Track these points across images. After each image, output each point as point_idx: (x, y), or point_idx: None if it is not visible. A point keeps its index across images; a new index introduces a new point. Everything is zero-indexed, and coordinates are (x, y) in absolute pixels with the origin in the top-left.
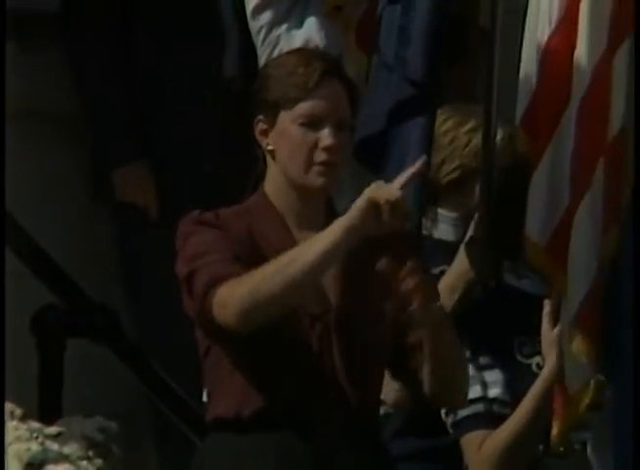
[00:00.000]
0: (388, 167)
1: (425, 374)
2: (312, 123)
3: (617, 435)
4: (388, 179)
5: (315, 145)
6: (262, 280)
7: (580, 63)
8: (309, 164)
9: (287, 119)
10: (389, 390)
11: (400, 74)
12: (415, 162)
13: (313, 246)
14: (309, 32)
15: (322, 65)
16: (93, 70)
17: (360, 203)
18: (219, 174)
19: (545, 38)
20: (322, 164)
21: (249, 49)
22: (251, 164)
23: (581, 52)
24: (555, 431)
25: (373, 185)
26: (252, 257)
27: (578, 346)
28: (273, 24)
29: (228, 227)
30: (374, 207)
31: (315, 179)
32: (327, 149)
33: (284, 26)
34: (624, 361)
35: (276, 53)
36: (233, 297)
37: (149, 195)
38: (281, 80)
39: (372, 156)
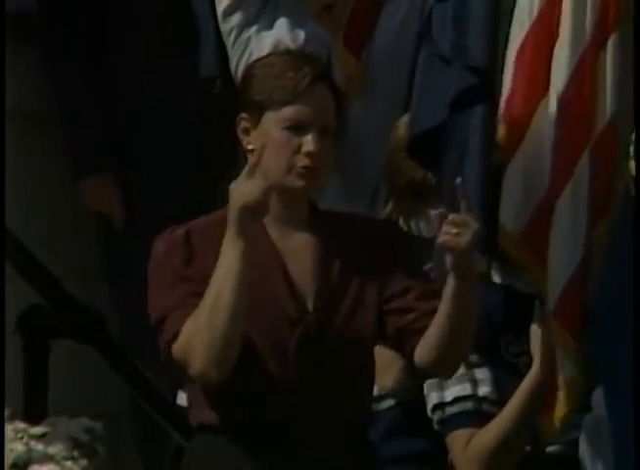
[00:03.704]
0: (445, 162)
1: (430, 336)
2: (296, 128)
3: (615, 434)
4: (446, 176)
5: (298, 149)
6: (204, 324)
7: (561, 57)
8: (290, 166)
9: (271, 121)
10: (386, 375)
11: (460, 64)
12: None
13: (222, 265)
14: (279, 33)
15: (312, 70)
16: (66, 82)
17: (232, 214)
18: (196, 183)
19: (524, 33)
20: (303, 168)
21: (225, 50)
22: (225, 171)
23: (563, 46)
24: (545, 423)
25: (233, 189)
26: None
27: (559, 339)
28: (243, 26)
29: (195, 248)
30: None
31: (295, 181)
32: (309, 154)
33: (254, 28)
34: (618, 360)
35: (247, 55)
36: (193, 355)
37: (113, 206)
38: (268, 81)
39: (427, 151)
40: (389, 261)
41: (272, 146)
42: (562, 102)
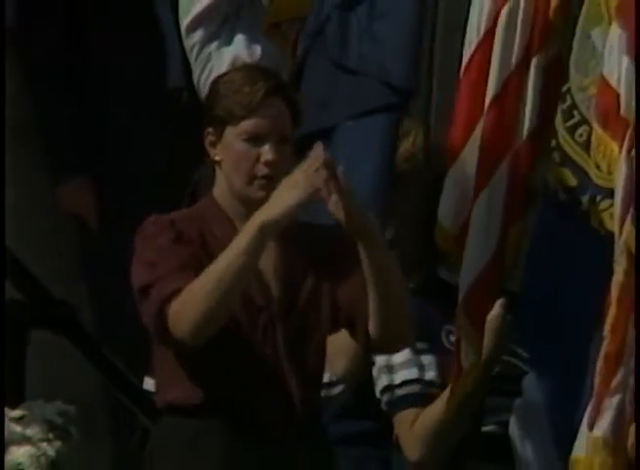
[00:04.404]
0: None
1: (371, 319)
2: (255, 139)
3: (552, 417)
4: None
5: (257, 159)
6: (203, 293)
7: (494, 71)
8: (251, 177)
9: (232, 134)
10: (337, 362)
11: (374, 78)
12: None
13: (235, 248)
14: (238, 50)
15: (266, 84)
16: (42, 90)
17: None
18: (167, 183)
19: (472, 51)
20: (263, 177)
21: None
22: (192, 174)
23: (495, 60)
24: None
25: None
26: (205, 258)
27: (463, 328)
28: (205, 42)
29: (181, 231)
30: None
31: (256, 192)
32: (267, 163)
33: (214, 44)
34: (551, 346)
35: (207, 69)
36: (184, 317)
37: (89, 208)
38: (228, 97)
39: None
40: (341, 261)
41: (234, 157)
42: (486, 116)
